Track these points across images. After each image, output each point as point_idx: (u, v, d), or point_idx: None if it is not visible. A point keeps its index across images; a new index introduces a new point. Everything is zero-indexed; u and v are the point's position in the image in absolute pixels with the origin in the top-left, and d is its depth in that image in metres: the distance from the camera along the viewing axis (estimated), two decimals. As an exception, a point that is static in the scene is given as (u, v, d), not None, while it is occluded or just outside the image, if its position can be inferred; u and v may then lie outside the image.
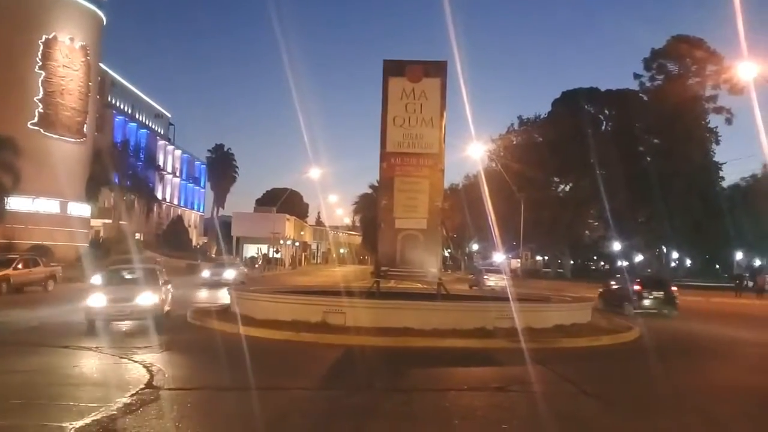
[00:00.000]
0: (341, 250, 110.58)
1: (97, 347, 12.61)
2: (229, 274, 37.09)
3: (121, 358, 11.56)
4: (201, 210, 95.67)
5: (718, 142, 61.37)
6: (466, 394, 9.72)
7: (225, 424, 7.57)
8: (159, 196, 69.83)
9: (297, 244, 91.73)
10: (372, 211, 56.80)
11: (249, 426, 7.54)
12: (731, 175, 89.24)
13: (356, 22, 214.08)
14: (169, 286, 18.33)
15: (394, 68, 17.89)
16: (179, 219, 76.77)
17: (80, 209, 49.38)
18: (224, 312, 17.86)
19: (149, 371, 10.14)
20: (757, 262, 69.27)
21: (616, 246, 59.57)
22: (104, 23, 52.06)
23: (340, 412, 8.38)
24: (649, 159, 61.07)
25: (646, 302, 23.49)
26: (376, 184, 26.88)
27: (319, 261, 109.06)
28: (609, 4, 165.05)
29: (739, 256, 71.94)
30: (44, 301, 22.87)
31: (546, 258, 79.75)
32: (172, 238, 68.08)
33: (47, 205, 45.82)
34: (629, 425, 8.17)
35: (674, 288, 24.87)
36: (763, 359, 14.51)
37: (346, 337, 13.95)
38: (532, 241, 65.81)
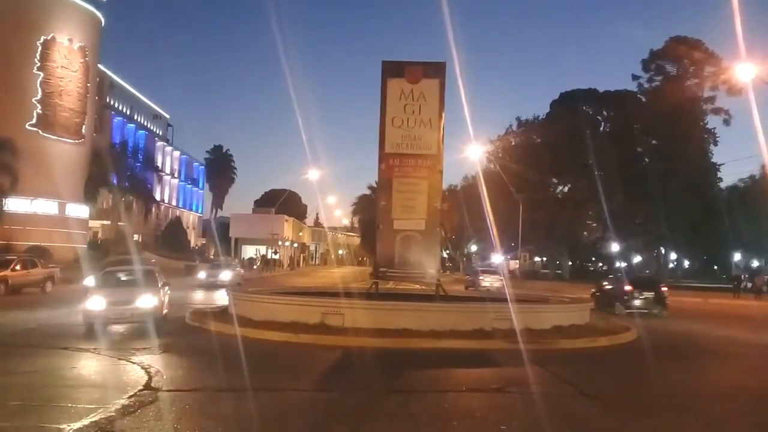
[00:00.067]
0: (340, 251, 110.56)
1: (95, 349, 12.60)
2: (225, 275, 36.97)
3: (120, 359, 11.55)
4: (199, 211, 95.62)
5: (716, 143, 61.61)
6: (464, 395, 9.72)
7: (223, 425, 7.55)
8: (157, 197, 69.78)
9: (295, 245, 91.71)
10: (371, 212, 56.81)
11: (247, 427, 7.53)
12: (729, 176, 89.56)
13: (355, 23, 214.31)
14: (167, 288, 18.27)
15: (392, 69, 17.89)
16: (177, 220, 76.72)
17: (78, 210, 49.33)
18: (222, 313, 17.85)
19: (147, 373, 10.13)
20: (755, 263, 69.39)
21: (615, 247, 59.65)
22: (103, 24, 52.07)
23: (339, 413, 8.38)
24: (647, 160, 61.19)
25: (637, 302, 24.02)
26: (375, 185, 26.92)
27: (317, 262, 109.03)
28: (607, 6, 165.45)
29: (737, 257, 72.07)
30: (42, 303, 22.84)
31: (544, 259, 79.82)
32: (170, 240, 68.05)
33: (45, 206, 45.79)
34: (627, 426, 8.17)
35: (664, 288, 25.37)
36: (760, 360, 14.53)
37: (344, 339, 13.94)
38: (531, 242, 65.97)
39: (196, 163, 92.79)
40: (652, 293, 24.39)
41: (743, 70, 24.49)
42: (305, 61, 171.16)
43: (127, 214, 56.99)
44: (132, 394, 8.68)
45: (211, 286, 33.72)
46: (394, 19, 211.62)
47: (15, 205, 42.46)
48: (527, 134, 65.00)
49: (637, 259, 72.38)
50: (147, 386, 9.24)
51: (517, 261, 69.58)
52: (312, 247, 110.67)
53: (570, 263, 71.46)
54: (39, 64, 45.80)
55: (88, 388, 9.63)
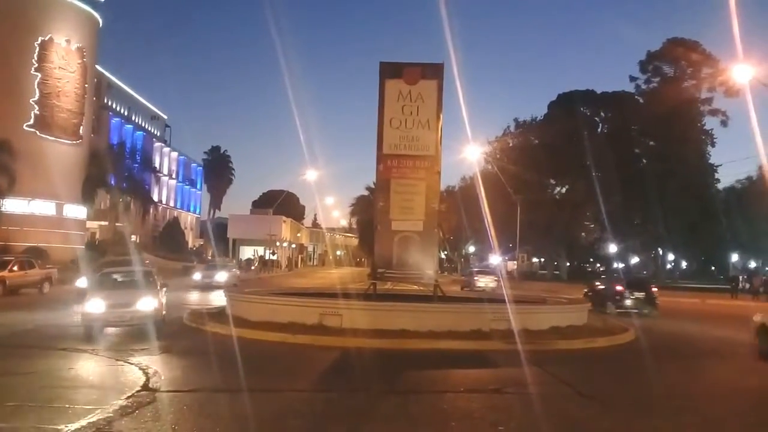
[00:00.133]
0: (338, 252, 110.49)
1: (93, 350, 12.59)
2: (221, 276, 36.75)
3: (117, 360, 11.55)
4: (197, 212, 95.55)
5: (713, 145, 61.69)
6: (462, 395, 9.73)
7: (221, 426, 7.55)
8: (155, 198, 69.72)
9: (293, 246, 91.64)
10: (369, 213, 56.84)
11: (245, 428, 7.53)
12: (727, 177, 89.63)
13: (353, 24, 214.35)
14: (164, 290, 18.19)
15: (390, 70, 17.90)
16: (175, 221, 76.62)
17: (76, 211, 49.24)
18: (220, 314, 17.83)
19: (145, 373, 10.13)
20: (753, 264, 69.50)
21: (613, 248, 59.74)
22: (100, 25, 52.00)
23: (337, 414, 8.38)
24: (644, 161, 61.28)
25: (628, 302, 24.58)
26: (373, 186, 26.91)
27: (315, 263, 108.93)
28: (605, 7, 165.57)
29: (734, 258, 72.16)
30: (40, 304, 22.81)
31: (542, 260, 79.86)
32: (168, 240, 67.95)
33: (43, 207, 45.69)
34: (625, 426, 8.19)
35: (654, 289, 26.04)
36: (757, 360, 14.53)
37: (342, 339, 13.94)
38: (529, 243, 66.02)
39: (194, 164, 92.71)
40: (643, 293, 24.98)
41: (741, 72, 24.54)
42: (303, 61, 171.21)
43: (125, 215, 56.94)
44: (130, 394, 8.68)
45: (207, 287, 33.61)
46: (393, 21, 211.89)
47: (12, 205, 42.40)
48: (525, 135, 65.05)
49: (634, 259, 72.43)
50: (145, 387, 9.24)
51: (515, 262, 69.64)
52: (310, 248, 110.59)
53: (568, 264, 71.53)
54: (36, 64, 45.70)
55: (86, 388, 9.62)
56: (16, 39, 44.51)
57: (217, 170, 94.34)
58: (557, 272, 69.13)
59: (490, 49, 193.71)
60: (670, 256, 76.59)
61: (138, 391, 8.91)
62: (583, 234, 71.14)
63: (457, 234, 76.76)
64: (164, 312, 16.97)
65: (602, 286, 27.45)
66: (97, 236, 58.39)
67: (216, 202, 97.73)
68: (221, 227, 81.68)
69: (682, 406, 9.27)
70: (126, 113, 71.81)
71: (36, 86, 45.71)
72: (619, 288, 25.41)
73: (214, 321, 16.60)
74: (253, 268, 65.45)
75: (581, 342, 14.98)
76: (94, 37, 51.42)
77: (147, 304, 14.83)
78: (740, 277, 46.14)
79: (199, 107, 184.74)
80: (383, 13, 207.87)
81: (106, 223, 57.97)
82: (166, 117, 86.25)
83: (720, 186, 64.38)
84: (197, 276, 37.69)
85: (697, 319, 24.31)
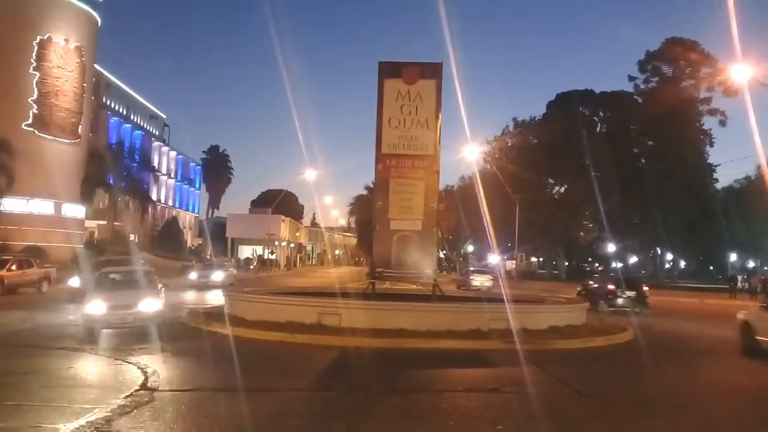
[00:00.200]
0: (336, 252, 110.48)
1: (92, 349, 12.58)
2: (217, 276, 36.56)
3: (116, 359, 11.54)
4: (196, 211, 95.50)
5: (712, 144, 61.78)
6: (461, 395, 9.74)
7: (219, 425, 7.56)
8: (154, 197, 69.61)
9: (292, 245, 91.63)
10: (367, 212, 56.77)
11: (244, 427, 7.53)
12: (725, 177, 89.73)
13: (352, 24, 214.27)
14: (163, 289, 18.13)
15: (389, 70, 17.90)
16: (174, 220, 76.55)
17: (75, 210, 49.23)
18: (218, 314, 17.80)
19: (144, 373, 10.13)
20: (751, 264, 69.56)
21: (611, 247, 59.79)
22: (99, 24, 51.96)
23: (336, 413, 8.39)
24: (643, 161, 61.34)
25: (619, 301, 24.99)
26: (372, 186, 26.89)
27: (314, 262, 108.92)
28: (604, 7, 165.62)
29: (733, 257, 72.21)
30: (38, 303, 22.78)
31: (541, 259, 79.87)
32: (166, 240, 67.90)
33: (41, 206, 45.66)
34: (624, 425, 8.20)
35: (645, 288, 26.37)
36: (756, 360, 14.55)
37: (341, 339, 13.94)
38: (528, 243, 66.02)
39: (192, 164, 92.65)
40: (634, 292, 25.31)
41: (739, 72, 24.57)
42: (302, 61, 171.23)
43: (124, 214, 56.91)
44: (128, 394, 8.68)
45: (203, 286, 33.56)
46: (392, 20, 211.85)
47: (11, 205, 42.40)
48: (524, 135, 65.02)
49: (633, 259, 72.46)
50: (143, 386, 9.24)
51: (514, 261, 69.68)
52: (309, 248, 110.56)
53: (566, 263, 71.56)
54: (35, 64, 45.67)
55: (85, 388, 9.62)
56: (14, 38, 44.47)
57: (215, 169, 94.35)
58: (556, 272, 69.14)
59: (489, 48, 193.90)
60: (669, 256, 76.66)
61: (137, 391, 8.91)
62: (581, 233, 71.14)
63: (455, 233, 76.78)
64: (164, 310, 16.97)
65: (595, 285, 27.78)
66: (96, 235, 58.35)
67: (215, 202, 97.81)
68: (220, 226, 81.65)
69: (681, 406, 9.29)
70: (125, 112, 71.71)
71: (34, 85, 45.68)
72: (611, 287, 25.78)
73: (213, 320, 16.60)
74: (251, 267, 65.44)
75: (580, 341, 14.98)
76: (93, 37, 51.39)
77: (149, 305, 14.63)
78: (739, 277, 46.15)
79: (198, 106, 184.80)
80: (383, 13, 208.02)
81: (105, 222, 57.94)
82: (164, 116, 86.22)
83: (718, 186, 64.55)
84: (193, 275, 37.58)
85: (695, 318, 24.35)
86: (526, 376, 10.93)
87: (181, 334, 15.22)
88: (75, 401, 8.41)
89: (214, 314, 17.82)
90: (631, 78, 61.50)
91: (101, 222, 58.49)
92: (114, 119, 66.85)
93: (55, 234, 45.43)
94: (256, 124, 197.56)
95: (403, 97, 17.59)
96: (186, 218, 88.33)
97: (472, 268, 46.11)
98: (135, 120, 74.76)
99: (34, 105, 45.62)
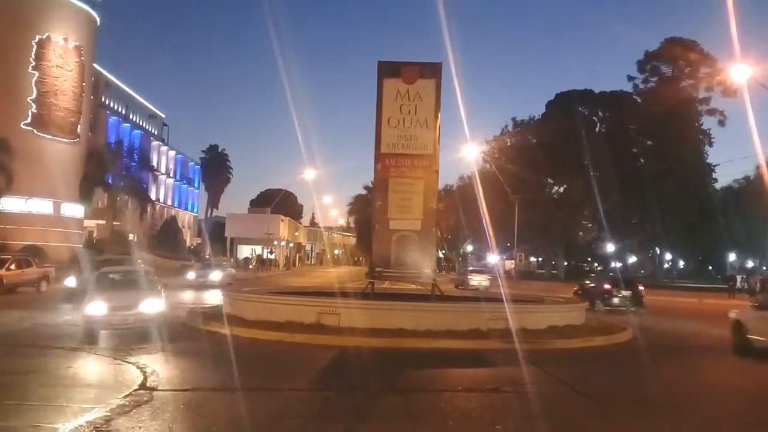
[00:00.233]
0: (336, 251, 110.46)
1: (91, 348, 12.57)
2: (215, 275, 36.53)
3: (115, 359, 11.52)
4: (195, 211, 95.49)
5: (711, 144, 61.91)
6: (460, 395, 9.73)
7: (218, 425, 7.55)
8: (153, 196, 69.60)
9: (291, 245, 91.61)
10: (366, 212, 56.77)
11: (242, 427, 7.52)
12: (724, 176, 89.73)
13: (351, 24, 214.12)
14: (163, 289, 18.11)
15: (389, 70, 17.90)
16: (173, 220, 76.53)
17: (74, 210, 49.22)
18: (217, 313, 17.76)
19: (143, 372, 10.12)
20: (750, 264, 69.62)
21: (610, 247, 59.83)
22: (98, 24, 51.95)
23: (335, 413, 8.38)
24: (642, 160, 61.42)
25: (615, 300, 25.26)
26: (371, 185, 26.91)
27: (313, 262, 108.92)
28: (603, 7, 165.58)
29: (732, 257, 72.27)
30: (37, 302, 22.75)
31: (540, 259, 79.91)
32: (165, 239, 67.86)
33: (40, 206, 45.66)
34: (623, 425, 8.19)
35: (641, 288, 26.64)
36: (755, 359, 14.57)
37: (340, 338, 13.92)
38: (527, 243, 66.04)
39: (191, 163, 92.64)
40: (630, 292, 25.55)
41: (738, 71, 24.59)
42: (301, 61, 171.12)
43: (123, 214, 56.90)
44: (127, 393, 8.67)
45: (201, 286, 33.54)
46: (391, 20, 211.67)
47: (10, 204, 42.40)
48: (523, 135, 65.08)
49: (632, 259, 72.47)
50: (142, 386, 9.23)
51: (513, 261, 69.71)
52: (308, 247, 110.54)
53: (566, 263, 71.63)
54: (34, 63, 45.67)
55: (84, 387, 9.61)
56: (13, 37, 44.43)
57: (214, 169, 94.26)
58: (555, 271, 69.21)
59: (489, 48, 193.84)
60: (668, 256, 76.75)
61: (136, 390, 8.90)
62: (580, 233, 71.23)
63: (455, 233, 76.85)
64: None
65: (592, 285, 28.00)
66: (95, 235, 58.32)
67: (214, 201, 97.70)
68: (219, 226, 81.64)
69: (680, 405, 9.30)
70: (124, 112, 71.69)
71: (33, 85, 45.69)
72: (606, 286, 26.03)
73: (212, 320, 16.56)
74: (250, 267, 65.41)
75: (579, 341, 14.98)
76: (92, 36, 51.38)
77: (150, 306, 14.52)
78: (739, 277, 46.15)
79: (197, 106, 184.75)
80: (383, 13, 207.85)
81: (104, 221, 57.91)
82: (163, 116, 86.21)
83: (717, 186, 64.71)
84: (191, 275, 37.55)
85: (694, 318, 24.36)
86: (525, 376, 10.92)
87: (180, 334, 15.19)
88: (74, 400, 8.40)
89: (212, 314, 17.79)
90: (630, 78, 61.70)
91: (100, 221, 58.48)
92: (113, 119, 66.85)
93: (54, 233, 45.42)
94: (256, 124, 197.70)
95: (402, 96, 17.59)
96: (185, 218, 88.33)
97: (470, 268, 46.79)
98: (134, 119, 74.73)
99: (33, 104, 45.62)
